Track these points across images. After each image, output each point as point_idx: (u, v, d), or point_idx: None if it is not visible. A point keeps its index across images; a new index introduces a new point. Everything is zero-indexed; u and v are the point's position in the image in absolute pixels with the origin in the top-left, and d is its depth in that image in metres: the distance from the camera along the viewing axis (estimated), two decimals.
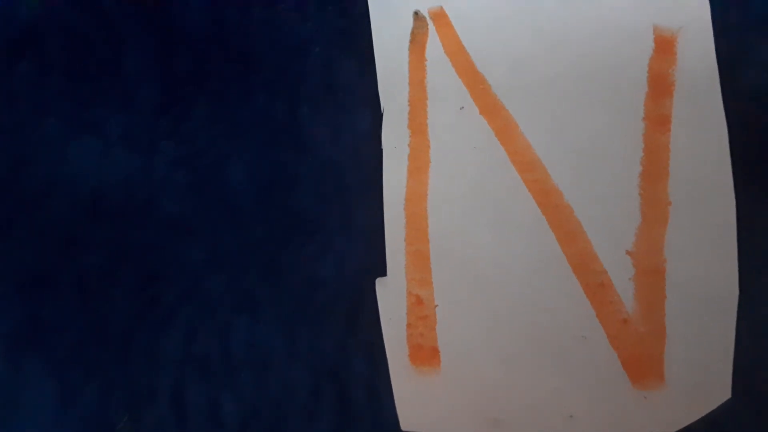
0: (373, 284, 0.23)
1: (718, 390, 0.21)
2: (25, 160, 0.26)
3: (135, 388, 0.23)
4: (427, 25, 0.26)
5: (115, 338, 0.24)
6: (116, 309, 0.24)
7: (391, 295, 0.23)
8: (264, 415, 0.23)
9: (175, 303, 0.24)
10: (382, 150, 0.25)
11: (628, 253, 0.23)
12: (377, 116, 0.25)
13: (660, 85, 0.24)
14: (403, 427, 0.22)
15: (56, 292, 0.25)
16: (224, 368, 0.23)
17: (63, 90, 0.27)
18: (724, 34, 0.24)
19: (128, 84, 0.27)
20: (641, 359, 0.22)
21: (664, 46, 0.24)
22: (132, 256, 0.25)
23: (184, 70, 0.27)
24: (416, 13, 0.26)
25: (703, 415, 0.21)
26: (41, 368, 0.24)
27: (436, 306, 0.23)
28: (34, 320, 0.24)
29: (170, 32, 0.27)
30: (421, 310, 0.23)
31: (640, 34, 0.25)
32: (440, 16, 0.26)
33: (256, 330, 0.24)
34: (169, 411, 0.23)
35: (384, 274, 0.23)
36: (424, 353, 0.23)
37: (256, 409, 0.23)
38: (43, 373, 0.24)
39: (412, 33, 0.26)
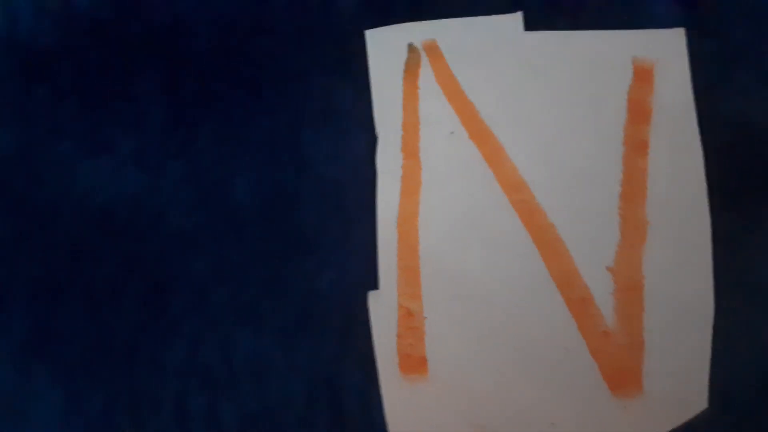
0: (367, 298, 0.24)
1: (695, 400, 0.22)
2: (41, 179, 0.27)
3: (139, 397, 0.24)
4: (420, 56, 0.27)
5: (121, 348, 0.25)
6: (123, 320, 0.25)
7: (382, 308, 0.24)
8: (262, 423, 0.23)
9: (180, 315, 0.25)
10: (376, 172, 0.26)
11: (608, 269, 0.24)
12: (372, 140, 0.26)
13: (639, 112, 0.25)
14: None
15: (65, 304, 0.25)
16: (225, 378, 0.24)
17: (77, 112, 0.28)
18: (700, 64, 0.26)
19: (139, 107, 0.28)
20: (621, 370, 0.23)
21: (643, 75, 0.26)
22: (139, 269, 0.25)
23: (191, 93, 0.28)
24: (410, 45, 0.27)
25: (681, 423, 0.22)
26: (49, 377, 0.24)
27: (425, 318, 0.24)
28: (43, 330, 0.25)
29: (179, 59, 0.28)
30: (410, 321, 0.24)
31: (619, 65, 0.26)
32: (433, 49, 0.27)
33: (257, 341, 0.24)
34: (171, 419, 0.24)
35: (377, 287, 0.24)
36: (413, 362, 0.23)
37: (255, 417, 0.24)
38: (51, 381, 0.24)
39: (407, 63, 0.27)
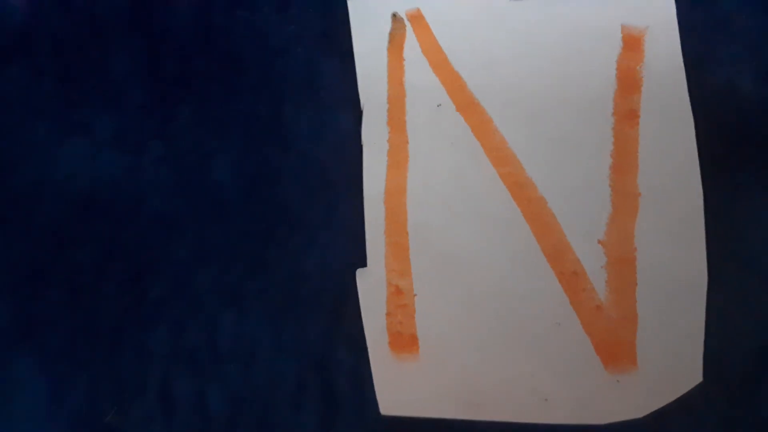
0: (355, 276, 0.24)
1: (689, 374, 0.22)
2: (17, 161, 0.26)
3: (125, 382, 0.24)
4: (405, 26, 0.27)
5: (104, 333, 0.24)
6: (106, 304, 0.25)
7: (371, 286, 0.24)
8: (251, 406, 0.23)
9: (163, 298, 0.24)
10: (362, 146, 0.25)
11: (599, 242, 0.23)
12: (357, 114, 0.26)
13: (628, 81, 0.25)
14: (382, 411, 0.22)
15: (47, 289, 0.25)
16: (212, 361, 0.24)
17: (53, 92, 0.27)
18: (690, 32, 0.25)
19: (117, 86, 0.27)
20: (614, 344, 0.22)
21: (632, 44, 0.25)
22: (121, 253, 0.25)
23: (170, 71, 0.27)
24: (394, 15, 0.27)
25: (675, 398, 0.22)
26: (32, 364, 0.24)
27: (415, 295, 0.24)
28: (25, 317, 0.25)
29: (157, 35, 0.28)
30: (400, 299, 0.24)
31: (608, 33, 0.25)
32: (417, 18, 0.27)
33: (242, 323, 0.24)
34: (157, 403, 0.23)
35: (365, 265, 0.24)
36: (404, 340, 0.23)
37: (243, 400, 0.23)
38: (35, 368, 0.24)
39: (391, 34, 0.26)
